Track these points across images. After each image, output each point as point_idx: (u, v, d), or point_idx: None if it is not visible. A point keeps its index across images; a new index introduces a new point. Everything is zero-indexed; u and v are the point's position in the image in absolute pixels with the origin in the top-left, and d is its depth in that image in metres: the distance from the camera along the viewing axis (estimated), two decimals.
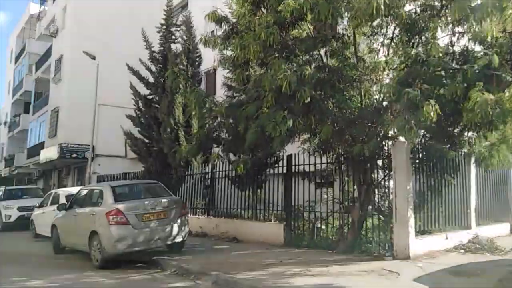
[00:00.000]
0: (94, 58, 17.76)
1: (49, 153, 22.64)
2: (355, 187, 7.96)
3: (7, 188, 15.65)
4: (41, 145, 24.91)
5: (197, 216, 11.30)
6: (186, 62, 13.01)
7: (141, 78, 14.75)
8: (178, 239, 7.78)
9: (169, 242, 7.67)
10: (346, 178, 8.06)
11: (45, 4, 29.73)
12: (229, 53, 7.24)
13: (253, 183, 10.26)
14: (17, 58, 34.18)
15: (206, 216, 11.24)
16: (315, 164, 8.28)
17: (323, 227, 8.73)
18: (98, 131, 22.49)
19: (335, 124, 5.94)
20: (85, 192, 8.56)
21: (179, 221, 7.76)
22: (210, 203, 11.29)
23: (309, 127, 5.80)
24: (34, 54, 30.40)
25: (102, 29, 22.02)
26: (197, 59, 13.77)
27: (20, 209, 14.30)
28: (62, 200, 10.78)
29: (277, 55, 5.53)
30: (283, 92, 5.33)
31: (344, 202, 8.06)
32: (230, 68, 6.95)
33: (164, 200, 7.72)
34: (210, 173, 11.37)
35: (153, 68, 14.55)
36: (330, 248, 7.73)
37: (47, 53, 26.70)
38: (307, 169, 8.52)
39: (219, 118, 7.76)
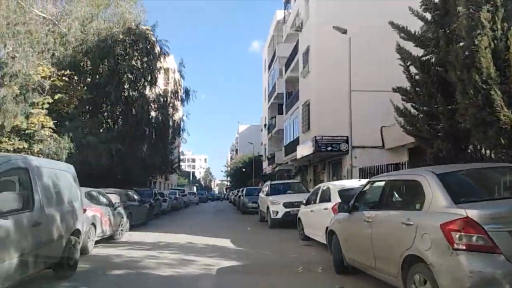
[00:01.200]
0: (345, 32, 15.22)
1: (304, 148, 21.93)
2: None
3: (272, 183, 15.10)
4: (296, 141, 24.84)
5: None
6: None
7: (411, 36, 10.85)
8: None
9: None
10: None
11: (288, 7, 30.37)
12: None
13: None
14: (269, 66, 36.92)
15: None
16: None
17: None
18: (351, 119, 20.12)
19: None
20: (379, 184, 5.35)
21: None
22: None
23: None
24: (283, 58, 31.59)
25: (346, 7, 19.55)
26: None
27: (285, 205, 13.04)
28: (334, 196, 8.19)
29: None
30: None
31: None
32: None
33: None
34: None
35: (428, 16, 10.41)
36: None
37: (294, 51, 26.75)
38: None
39: None
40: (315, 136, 19.56)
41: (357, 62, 19.80)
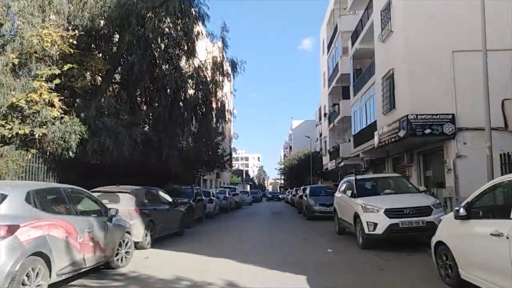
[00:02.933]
0: None
1: (386, 134, 16.30)
2: None
3: (359, 178, 9.55)
4: (371, 127, 19.21)
5: None
6: None
7: None
8: None
9: None
10: None
11: None
12: None
13: None
14: (329, 46, 31.41)
15: None
16: None
17: None
18: (456, 91, 14.25)
19: None
20: None
21: None
22: None
23: None
24: (346, 32, 26.25)
25: None
26: None
27: (389, 213, 7.75)
28: None
29: None
30: None
31: None
32: None
33: None
34: None
35: None
36: None
37: (363, 18, 21.23)
38: None
39: None
40: (407, 115, 13.86)
41: (461, 11, 14.03)
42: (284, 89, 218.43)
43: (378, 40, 17.43)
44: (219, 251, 8.53)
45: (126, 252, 6.90)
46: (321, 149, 41.22)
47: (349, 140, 24.60)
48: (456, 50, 13.98)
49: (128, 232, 7.07)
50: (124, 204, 8.68)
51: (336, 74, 28.05)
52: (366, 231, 7.92)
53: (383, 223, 7.69)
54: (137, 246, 8.76)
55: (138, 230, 8.64)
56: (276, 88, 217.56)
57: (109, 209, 6.35)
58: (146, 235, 8.95)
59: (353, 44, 23.27)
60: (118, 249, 6.64)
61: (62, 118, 11.09)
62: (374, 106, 18.95)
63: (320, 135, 42.77)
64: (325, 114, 32.86)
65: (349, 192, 9.18)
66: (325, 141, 33.79)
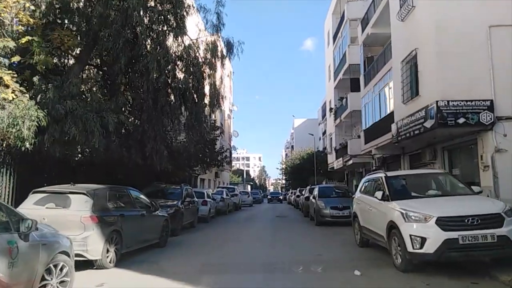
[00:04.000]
0: None
1: (406, 126, 13.95)
2: None
3: (390, 175, 7.08)
4: (385, 120, 16.89)
5: None
6: None
7: None
8: None
9: None
10: None
11: None
12: None
13: None
14: (334, 36, 29.07)
15: None
16: None
17: None
18: (494, 74, 11.91)
19: None
20: None
21: None
22: None
23: None
24: (354, 20, 24.02)
25: None
26: None
27: (443, 223, 5.40)
28: None
29: None
30: None
31: None
32: None
33: None
34: None
35: None
36: None
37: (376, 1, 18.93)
38: None
39: None
40: (437, 102, 11.52)
41: None
42: (286, 90, 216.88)
43: (397, 19, 15.04)
44: (206, 273, 6.24)
45: (61, 282, 4.58)
46: (324, 148, 38.90)
47: (359, 136, 22.25)
48: (494, 24, 11.68)
49: (65, 253, 4.74)
50: (76, 208, 6.37)
51: (343, 65, 25.76)
52: (410, 248, 5.56)
53: (436, 237, 5.34)
54: (96, 265, 6.48)
55: (95, 245, 6.33)
56: (279, 89, 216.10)
57: (23, 220, 4.02)
58: (108, 251, 6.62)
59: (363, 30, 20.95)
60: (45, 279, 4.34)
61: (13, 99, 8.79)
62: (390, 95, 16.61)
63: (324, 133, 40.47)
64: (331, 109, 30.50)
65: (378, 194, 6.82)
66: (331, 138, 31.44)
